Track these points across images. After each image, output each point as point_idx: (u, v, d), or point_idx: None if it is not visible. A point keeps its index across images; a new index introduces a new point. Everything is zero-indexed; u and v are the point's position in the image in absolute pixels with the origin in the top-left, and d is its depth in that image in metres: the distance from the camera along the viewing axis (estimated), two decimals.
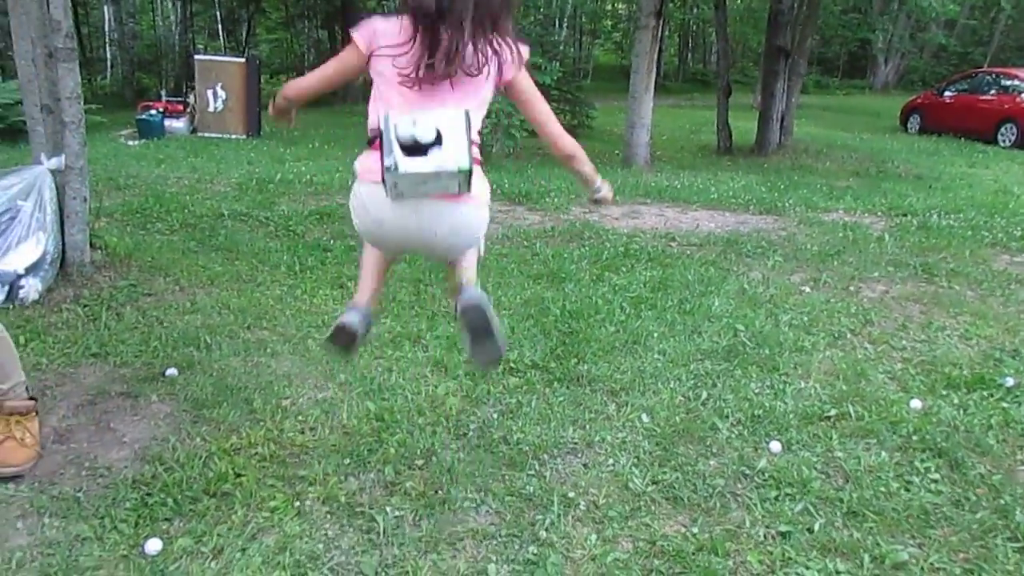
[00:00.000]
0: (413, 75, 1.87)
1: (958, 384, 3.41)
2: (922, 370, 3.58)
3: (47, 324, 3.63)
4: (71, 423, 2.83)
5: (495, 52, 1.93)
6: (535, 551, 2.23)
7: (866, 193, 8.44)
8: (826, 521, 2.42)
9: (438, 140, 1.80)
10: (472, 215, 2.04)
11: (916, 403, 3.22)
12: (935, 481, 2.68)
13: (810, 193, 8.27)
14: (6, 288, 3.75)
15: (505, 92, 2.06)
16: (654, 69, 10.22)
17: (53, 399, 2.99)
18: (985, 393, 3.33)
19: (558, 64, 11.34)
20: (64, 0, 3.75)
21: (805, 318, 4.16)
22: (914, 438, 2.93)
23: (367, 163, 1.97)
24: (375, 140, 1.90)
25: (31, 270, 3.80)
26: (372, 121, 1.96)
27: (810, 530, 2.38)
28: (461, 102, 1.92)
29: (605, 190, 2.38)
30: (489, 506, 2.41)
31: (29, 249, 3.79)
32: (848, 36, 22.97)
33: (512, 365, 3.46)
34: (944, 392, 3.36)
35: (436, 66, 1.85)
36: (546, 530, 2.32)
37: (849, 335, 4.00)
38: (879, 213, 7.28)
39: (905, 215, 7.10)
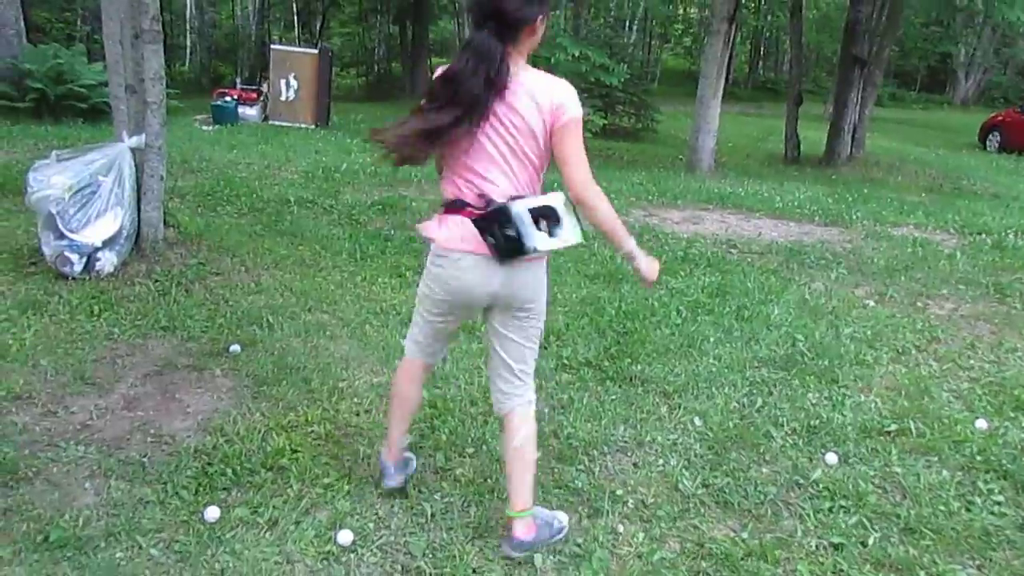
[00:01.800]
0: None
1: None
2: (989, 390, 3.46)
3: (120, 296, 3.78)
4: (139, 391, 2.95)
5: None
6: (582, 545, 2.23)
7: (938, 209, 8.15)
8: (881, 536, 2.36)
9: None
10: (540, 267, 2.11)
11: (982, 423, 3.11)
12: (999, 503, 2.59)
13: (879, 207, 8.03)
14: (84, 259, 3.92)
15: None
16: (724, 75, 10.07)
17: (123, 368, 3.11)
18: None
19: (625, 66, 11.25)
20: None
21: (868, 332, 4.06)
22: (978, 458, 2.83)
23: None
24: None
25: (108, 244, 3.96)
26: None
27: (864, 544, 2.32)
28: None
29: (642, 265, 2.19)
30: (540, 496, 2.41)
31: (107, 223, 3.95)
32: (928, 49, 22.20)
33: (566, 362, 3.46)
34: (1012, 414, 3.23)
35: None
36: (593, 525, 2.32)
37: (914, 351, 3.88)
38: (951, 230, 7.03)
39: (979, 233, 6.84)
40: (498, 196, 1.96)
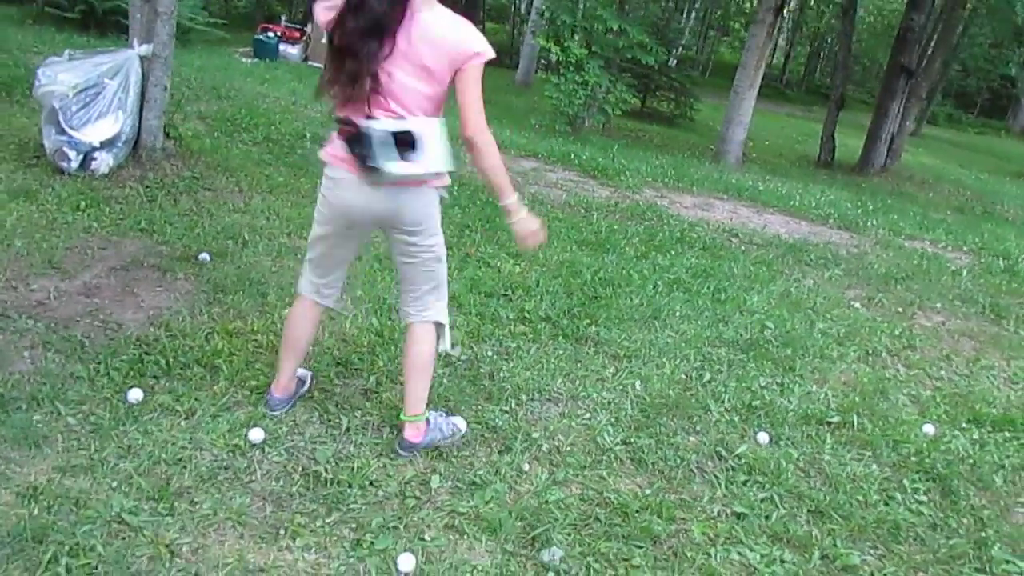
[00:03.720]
0: None
1: (984, 421, 3.24)
2: (950, 401, 3.41)
3: (108, 196, 3.88)
4: (101, 282, 3.04)
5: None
6: (482, 476, 2.27)
7: (961, 229, 7.97)
8: (787, 513, 2.37)
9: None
10: (431, 195, 2.13)
11: (929, 428, 3.08)
12: (920, 503, 2.58)
13: (899, 218, 7.87)
14: (81, 157, 4.02)
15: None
16: (762, 67, 9.88)
17: (92, 259, 3.21)
18: (1010, 435, 3.15)
19: (664, 50, 11.07)
20: None
21: (842, 329, 4.02)
22: (912, 459, 2.82)
23: None
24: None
25: (106, 145, 4.06)
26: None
27: (767, 517, 2.34)
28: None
29: (519, 220, 2.15)
30: (464, 420, 2.46)
31: (107, 125, 4.04)
32: (990, 70, 21.49)
33: (525, 315, 3.49)
34: (965, 425, 3.20)
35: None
36: (500, 460, 2.36)
37: (884, 354, 3.84)
38: (967, 249, 6.88)
39: (995, 256, 6.69)
40: (380, 117, 1.99)
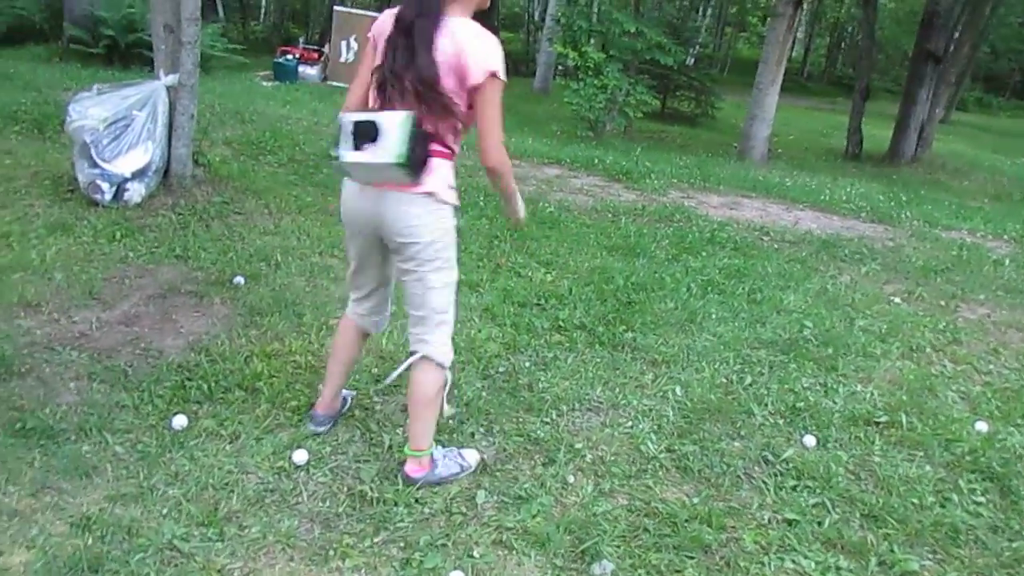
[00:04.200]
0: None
1: None
2: (1002, 396, 3.32)
3: (142, 225, 3.94)
4: (140, 310, 3.08)
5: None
6: (528, 489, 2.25)
7: (999, 217, 7.80)
8: (840, 518, 2.32)
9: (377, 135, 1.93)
10: (424, 205, 2.04)
11: (982, 425, 3.00)
12: (978, 504, 2.50)
13: (934, 208, 7.73)
14: (114, 188, 4.09)
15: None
16: (784, 62, 9.78)
17: (130, 288, 3.26)
18: None
19: (682, 50, 11.00)
20: None
21: (884, 326, 3.94)
22: (967, 458, 2.74)
23: None
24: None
25: (137, 175, 4.12)
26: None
27: (820, 523, 2.28)
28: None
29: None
30: (495, 441, 2.45)
31: (137, 156, 4.10)
32: (1021, 51, 21.01)
33: (560, 323, 3.47)
34: (1020, 421, 3.11)
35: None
36: (544, 473, 2.34)
37: (929, 349, 3.75)
38: (1007, 238, 6.72)
39: None
40: None
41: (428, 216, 2.04)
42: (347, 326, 2.38)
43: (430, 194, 2.02)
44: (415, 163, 1.94)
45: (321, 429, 2.41)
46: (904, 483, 2.55)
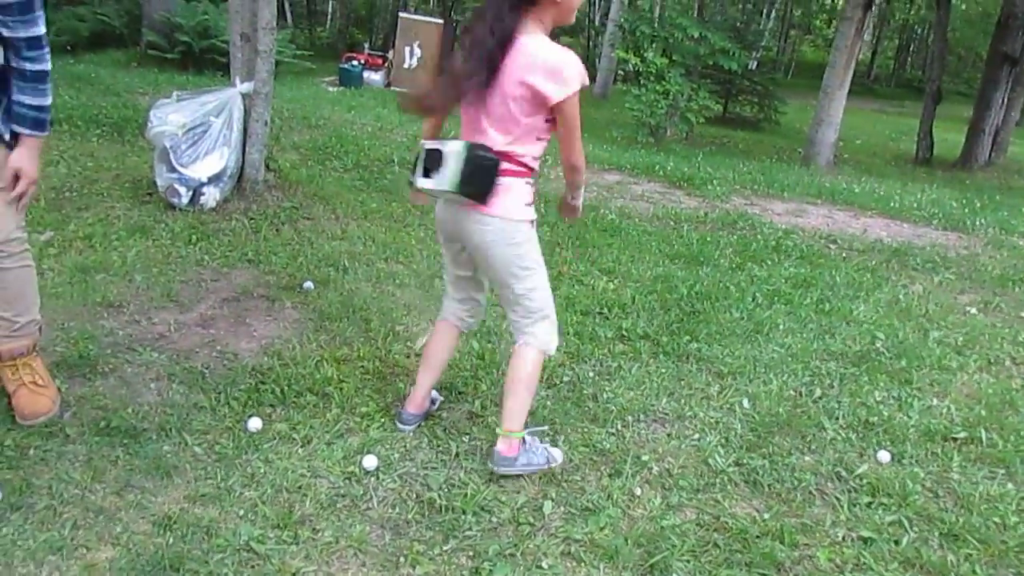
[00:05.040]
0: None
1: None
2: None
3: (216, 229, 4.07)
4: (215, 313, 3.18)
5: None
6: (595, 501, 2.24)
7: None
8: (918, 537, 2.25)
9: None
10: (494, 225, 2.15)
11: None
12: None
13: (1011, 216, 7.42)
14: (191, 193, 4.23)
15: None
16: (852, 65, 9.52)
17: (206, 291, 3.36)
18: None
19: (746, 54, 10.82)
20: None
21: (960, 338, 3.80)
22: None
23: None
24: None
25: (212, 180, 4.25)
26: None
27: (897, 542, 2.21)
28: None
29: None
30: (562, 452, 2.44)
31: (213, 161, 4.24)
32: None
33: (624, 333, 3.45)
34: None
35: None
36: (611, 484, 2.33)
37: (1008, 362, 3.61)
38: None
39: None
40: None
41: (499, 235, 2.15)
42: (444, 327, 2.50)
43: (500, 215, 2.13)
44: (472, 190, 2.08)
45: (408, 428, 2.47)
46: (985, 501, 2.46)
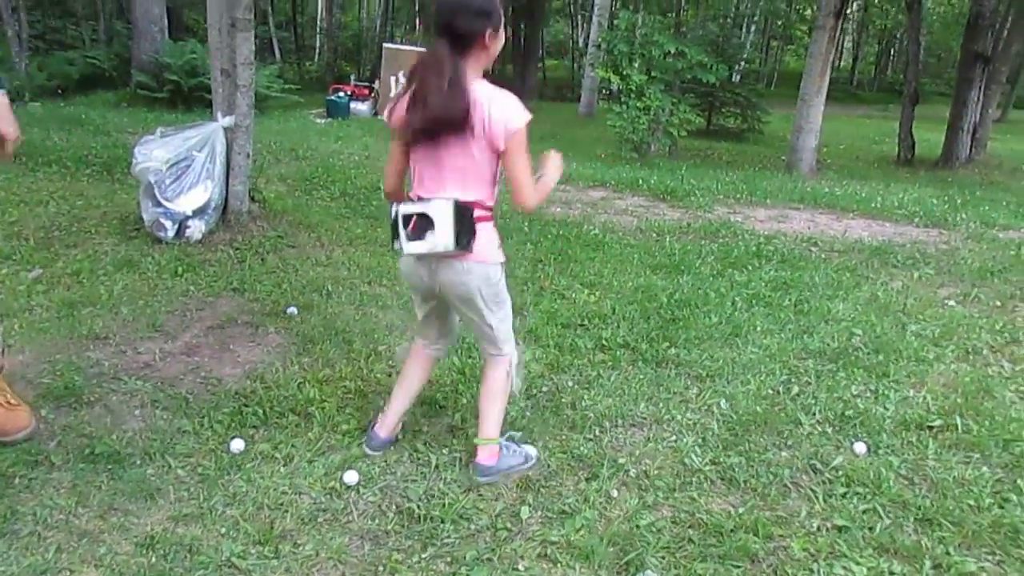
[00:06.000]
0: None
1: None
2: None
3: (202, 260, 4.13)
4: (200, 341, 3.23)
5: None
6: (572, 504, 2.29)
7: None
8: (892, 523, 2.29)
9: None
10: (477, 271, 2.19)
11: None
12: None
13: (991, 209, 7.51)
14: (176, 226, 4.31)
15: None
16: (828, 72, 9.66)
17: (191, 320, 3.42)
18: None
19: (724, 66, 10.96)
20: None
21: (938, 330, 3.85)
22: None
23: None
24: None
25: (197, 213, 4.33)
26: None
27: (871, 529, 2.26)
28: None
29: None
30: (536, 449, 2.49)
31: (198, 194, 4.32)
32: None
33: (604, 343, 3.50)
34: None
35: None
36: (588, 488, 2.37)
37: (986, 351, 3.66)
38: None
39: None
40: (432, 195, 2.13)
41: (479, 278, 2.20)
42: (418, 354, 2.54)
43: (484, 260, 2.18)
44: (466, 242, 2.11)
45: (377, 453, 2.50)
46: (959, 485, 2.50)
